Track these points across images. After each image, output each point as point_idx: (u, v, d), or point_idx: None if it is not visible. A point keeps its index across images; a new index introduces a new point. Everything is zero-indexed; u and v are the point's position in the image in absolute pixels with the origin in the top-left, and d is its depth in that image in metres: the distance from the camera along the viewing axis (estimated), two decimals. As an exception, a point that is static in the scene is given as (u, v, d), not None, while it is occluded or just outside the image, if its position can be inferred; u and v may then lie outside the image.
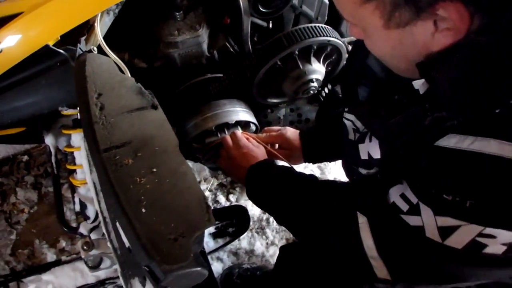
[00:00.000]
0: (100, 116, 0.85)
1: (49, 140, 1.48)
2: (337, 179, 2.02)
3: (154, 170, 0.78)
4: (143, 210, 0.73)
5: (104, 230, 1.05)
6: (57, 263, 1.73)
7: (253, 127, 1.49)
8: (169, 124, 0.91)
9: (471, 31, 0.57)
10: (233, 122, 1.39)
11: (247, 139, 1.28)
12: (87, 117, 0.85)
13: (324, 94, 1.81)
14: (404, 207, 0.71)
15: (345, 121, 1.08)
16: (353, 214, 0.80)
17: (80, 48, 1.10)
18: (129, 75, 1.19)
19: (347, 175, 1.14)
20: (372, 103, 0.81)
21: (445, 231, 0.65)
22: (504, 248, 0.62)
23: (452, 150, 0.61)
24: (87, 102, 0.87)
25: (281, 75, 1.45)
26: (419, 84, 0.74)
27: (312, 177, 1.02)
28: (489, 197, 0.59)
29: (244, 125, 1.46)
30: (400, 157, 0.72)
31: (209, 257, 1.69)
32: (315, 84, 1.46)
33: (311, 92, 1.49)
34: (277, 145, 1.36)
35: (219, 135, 1.41)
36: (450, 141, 0.62)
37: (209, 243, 1.66)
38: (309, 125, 1.81)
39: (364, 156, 0.96)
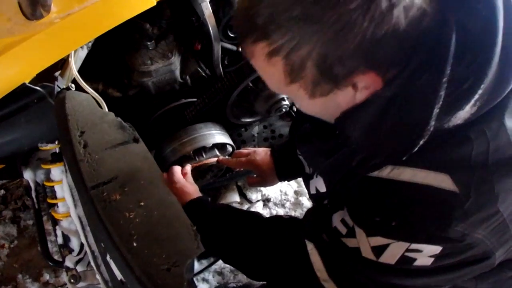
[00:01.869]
0: (85, 153, 0.87)
1: (27, 175, 1.47)
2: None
3: (142, 203, 0.81)
4: (135, 244, 0.75)
5: (92, 263, 1.06)
6: None
7: (229, 148, 1.53)
8: (151, 155, 0.94)
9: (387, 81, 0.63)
10: (210, 145, 1.43)
11: (185, 174, 1.20)
12: (71, 155, 0.87)
13: (295, 109, 1.87)
14: (343, 230, 0.77)
15: (300, 157, 1.13)
16: (302, 242, 0.86)
17: (57, 85, 1.11)
18: (107, 109, 1.22)
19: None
20: (313, 145, 0.95)
21: (378, 250, 0.71)
22: (432, 259, 0.68)
23: (375, 179, 0.70)
24: (70, 141, 0.89)
25: (253, 95, 1.49)
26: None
27: (252, 213, 1.08)
28: (409, 217, 0.67)
29: (221, 147, 1.50)
30: (338, 188, 0.82)
31: (194, 279, 1.70)
32: (286, 102, 1.51)
33: (283, 110, 1.54)
34: None
35: (197, 159, 1.44)
36: (374, 171, 0.71)
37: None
38: (282, 140, 1.85)
39: (312, 190, 0.98)
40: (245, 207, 2.03)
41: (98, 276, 1.04)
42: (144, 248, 0.75)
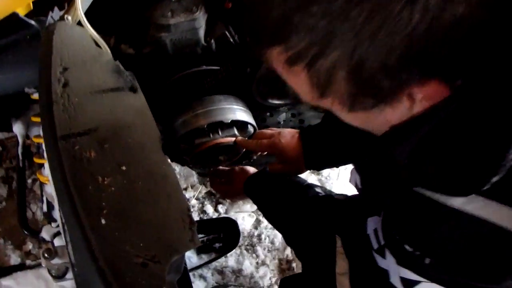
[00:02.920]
0: (62, 94, 0.66)
1: (17, 128, 1.31)
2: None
3: (124, 168, 0.60)
4: (103, 221, 0.54)
5: (63, 239, 0.86)
6: (21, 267, 1.57)
7: (251, 130, 1.31)
8: (151, 112, 0.72)
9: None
10: (229, 121, 1.21)
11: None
12: (45, 95, 0.67)
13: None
14: (375, 244, 0.70)
15: None
16: (333, 236, 0.81)
17: (51, 17, 0.92)
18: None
19: None
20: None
21: (408, 283, 0.63)
22: None
23: (424, 198, 0.56)
24: (48, 77, 0.69)
25: (286, 72, 1.27)
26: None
27: (307, 187, 1.02)
28: (452, 257, 0.55)
29: (241, 126, 1.28)
30: (375, 194, 0.73)
31: (191, 274, 1.54)
32: (324, 84, 1.28)
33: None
34: None
35: (211, 135, 1.22)
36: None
37: (191, 258, 1.49)
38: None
39: (352, 181, 0.87)
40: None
41: (68, 257, 0.83)
42: (115, 229, 0.54)
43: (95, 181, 0.57)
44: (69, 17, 0.91)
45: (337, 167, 1.22)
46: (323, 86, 0.48)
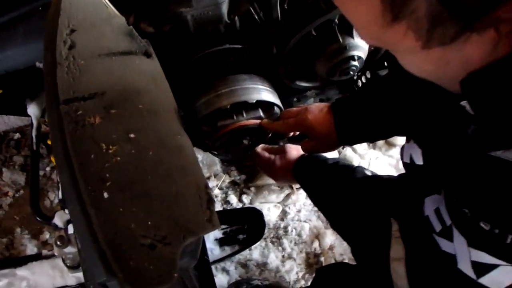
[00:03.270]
0: (67, 56, 0.59)
1: (31, 110, 1.26)
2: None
3: (132, 135, 0.52)
4: (105, 195, 0.46)
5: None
6: (37, 257, 1.55)
7: (277, 111, 1.21)
8: (166, 80, 0.64)
9: None
10: (254, 101, 1.12)
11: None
12: (50, 57, 0.59)
13: (360, 84, 1.54)
14: (437, 226, 0.63)
15: None
16: (388, 219, 0.75)
17: (62, -17, 0.85)
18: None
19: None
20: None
21: (480, 268, 0.56)
22: None
23: (502, 162, 0.47)
24: (53, 39, 0.61)
25: (316, 49, 1.18)
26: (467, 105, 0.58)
27: (356, 169, 0.95)
28: None
29: (267, 107, 1.19)
30: (438, 165, 0.65)
31: (213, 267, 1.47)
32: (356, 63, 1.19)
33: (351, 73, 1.22)
34: None
35: (234, 117, 1.13)
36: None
37: (214, 250, 1.42)
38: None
39: (406, 159, 0.80)
40: (286, 192, 1.74)
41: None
42: (119, 204, 0.46)
43: (99, 149, 0.49)
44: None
45: (373, 141, 1.14)
46: (400, 5, 0.40)
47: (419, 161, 0.75)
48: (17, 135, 1.89)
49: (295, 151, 1.15)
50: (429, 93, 0.71)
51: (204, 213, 0.49)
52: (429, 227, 0.64)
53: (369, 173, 0.92)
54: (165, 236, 0.45)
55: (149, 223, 0.45)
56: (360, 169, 0.95)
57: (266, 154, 1.22)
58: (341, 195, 0.92)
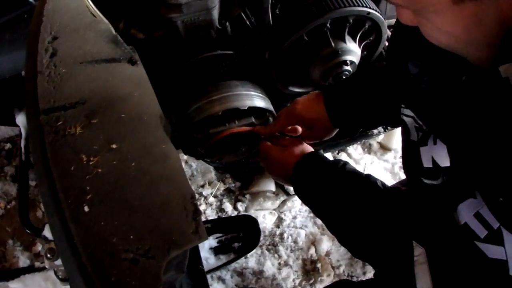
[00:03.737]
0: (49, 64, 0.57)
1: (20, 119, 1.23)
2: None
3: (115, 146, 0.50)
4: (86, 208, 0.44)
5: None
6: (29, 269, 1.52)
7: (270, 118, 1.20)
8: (151, 87, 0.62)
9: None
10: (246, 108, 1.10)
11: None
12: (31, 65, 0.58)
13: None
14: (481, 232, 0.57)
15: (405, 118, 0.86)
16: (408, 244, 0.66)
17: (48, -11, 0.84)
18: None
19: (410, 185, 0.89)
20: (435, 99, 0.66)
21: None
22: None
23: None
24: (35, 47, 0.60)
25: (308, 54, 1.16)
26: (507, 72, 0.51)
27: (369, 179, 0.83)
28: None
29: (259, 114, 1.17)
30: (475, 160, 0.56)
31: (208, 276, 1.44)
32: (349, 68, 1.18)
33: (343, 78, 1.20)
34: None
35: (227, 124, 1.12)
36: None
37: (209, 259, 1.40)
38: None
39: (427, 163, 0.74)
40: (281, 199, 1.71)
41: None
42: (101, 217, 0.44)
43: (80, 160, 0.47)
44: (65, -12, 0.83)
45: (368, 125, 1.07)
46: None
47: (444, 162, 0.70)
48: (8, 145, 1.86)
49: (300, 146, 0.99)
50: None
51: (190, 225, 0.47)
52: (470, 235, 0.58)
53: (380, 184, 0.82)
54: (149, 250, 0.43)
55: (132, 236, 0.43)
56: (372, 179, 0.84)
57: (269, 144, 1.05)
58: (350, 208, 0.80)
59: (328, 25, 1.10)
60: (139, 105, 0.56)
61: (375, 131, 1.58)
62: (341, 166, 0.87)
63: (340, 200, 0.82)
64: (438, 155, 0.72)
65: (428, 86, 0.70)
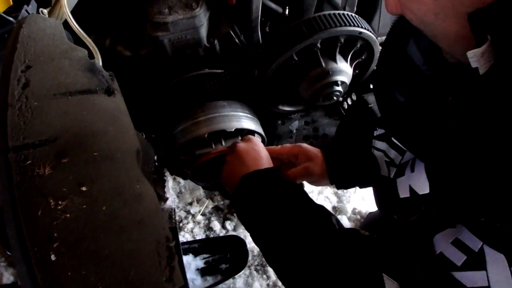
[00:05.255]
0: (20, 96, 0.54)
1: None
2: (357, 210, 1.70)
3: (84, 188, 0.47)
4: (53, 257, 0.41)
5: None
6: (13, 286, 1.46)
7: (258, 138, 1.17)
8: (130, 119, 0.60)
9: None
10: (233, 130, 1.08)
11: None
12: (1, 97, 0.55)
13: (346, 106, 1.51)
14: (458, 258, 0.55)
15: (375, 152, 0.85)
16: (379, 278, 0.59)
17: (26, 10, 0.81)
18: (101, 63, 0.89)
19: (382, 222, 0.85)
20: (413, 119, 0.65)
21: None
22: None
23: None
24: (7, 77, 0.57)
25: (298, 74, 1.14)
26: (476, 57, 0.47)
27: (326, 216, 0.71)
28: None
29: (247, 134, 1.15)
30: (457, 177, 0.51)
31: None
32: (340, 88, 1.16)
33: (334, 98, 1.19)
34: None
35: (213, 146, 1.09)
36: None
37: (195, 280, 1.36)
38: (327, 142, 1.50)
39: (404, 193, 0.73)
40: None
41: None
42: (67, 267, 0.41)
43: (47, 204, 0.45)
44: (44, 11, 0.80)
45: (360, 187, 1.01)
46: None
47: (424, 189, 0.69)
48: None
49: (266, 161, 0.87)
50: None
51: (162, 272, 0.44)
52: (446, 264, 0.56)
53: (334, 221, 0.71)
54: (117, 303, 0.41)
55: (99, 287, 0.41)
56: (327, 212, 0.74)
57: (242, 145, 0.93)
58: (300, 241, 0.68)
59: (318, 45, 1.08)
60: (114, 140, 0.53)
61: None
62: (294, 188, 0.77)
63: (285, 228, 0.71)
64: (417, 182, 0.71)
65: (414, 110, 0.69)
